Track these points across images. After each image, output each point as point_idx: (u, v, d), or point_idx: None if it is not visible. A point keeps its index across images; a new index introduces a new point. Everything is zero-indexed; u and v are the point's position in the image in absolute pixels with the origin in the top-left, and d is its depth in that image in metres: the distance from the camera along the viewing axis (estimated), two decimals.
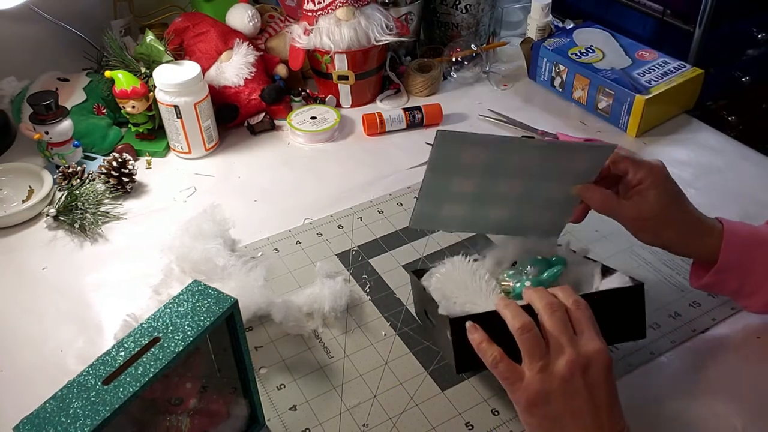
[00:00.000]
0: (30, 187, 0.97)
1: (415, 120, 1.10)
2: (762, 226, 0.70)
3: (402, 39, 1.16)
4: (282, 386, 0.71)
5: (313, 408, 0.69)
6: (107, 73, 1.02)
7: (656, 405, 0.67)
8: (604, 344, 0.55)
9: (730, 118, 1.42)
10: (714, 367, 0.71)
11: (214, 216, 0.87)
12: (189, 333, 0.54)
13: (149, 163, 1.04)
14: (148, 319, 0.55)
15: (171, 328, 0.54)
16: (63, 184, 0.96)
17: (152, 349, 0.52)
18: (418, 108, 1.11)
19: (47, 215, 0.92)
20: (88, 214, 0.91)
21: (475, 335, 0.59)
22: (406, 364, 0.73)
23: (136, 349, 0.53)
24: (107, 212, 0.94)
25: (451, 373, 0.71)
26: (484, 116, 1.12)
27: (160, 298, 0.80)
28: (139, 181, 1.00)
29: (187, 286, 0.58)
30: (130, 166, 0.97)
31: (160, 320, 0.55)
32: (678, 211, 0.67)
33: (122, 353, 0.52)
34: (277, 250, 0.88)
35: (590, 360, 0.54)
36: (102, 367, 0.52)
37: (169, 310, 0.56)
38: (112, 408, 0.49)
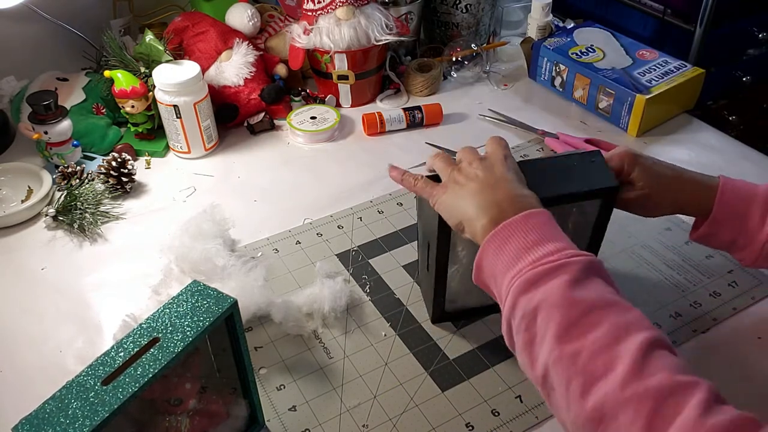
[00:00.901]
0: (29, 187, 0.97)
1: (415, 120, 1.10)
2: (761, 185, 0.71)
3: (402, 38, 1.16)
4: (282, 387, 0.71)
5: (313, 408, 0.69)
6: (106, 73, 1.02)
7: None
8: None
9: (730, 118, 1.42)
10: (714, 368, 0.71)
11: (213, 216, 0.87)
12: (188, 333, 0.54)
13: (148, 163, 1.04)
14: (147, 319, 0.55)
15: (170, 328, 0.54)
16: (62, 184, 0.96)
17: (151, 350, 0.52)
18: (418, 108, 1.10)
19: (46, 215, 0.92)
20: (87, 214, 0.91)
21: (394, 173, 0.70)
22: (406, 364, 0.73)
23: (135, 350, 0.52)
24: (106, 212, 0.93)
25: (451, 374, 0.71)
26: (484, 116, 1.12)
27: (159, 298, 0.80)
28: (139, 181, 1.00)
29: (187, 286, 0.58)
30: (129, 166, 0.97)
31: (160, 320, 0.55)
32: (669, 180, 0.70)
33: (121, 354, 0.52)
34: (276, 250, 0.88)
35: (488, 154, 0.65)
36: (101, 368, 0.51)
37: (168, 310, 0.56)
38: (111, 408, 0.49)
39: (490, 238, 0.57)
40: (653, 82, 1.05)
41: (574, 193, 0.66)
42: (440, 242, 0.68)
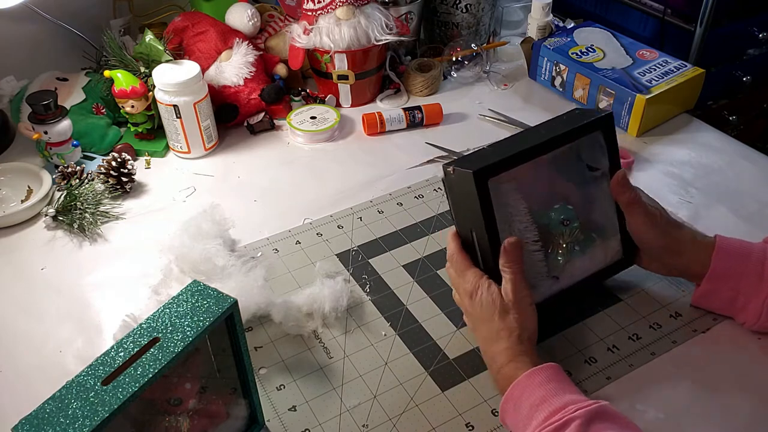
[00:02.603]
0: (29, 187, 0.97)
1: (415, 120, 1.10)
2: (756, 243, 0.72)
3: (402, 38, 1.16)
4: (281, 387, 0.71)
5: (313, 408, 0.68)
6: (106, 73, 1.02)
7: (657, 405, 0.67)
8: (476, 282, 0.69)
9: (731, 118, 1.42)
10: (715, 368, 0.71)
11: (213, 216, 0.87)
12: (188, 333, 0.54)
13: (148, 163, 1.04)
14: (147, 319, 0.55)
15: (170, 328, 0.54)
16: (62, 184, 0.96)
17: (151, 350, 0.52)
18: (418, 108, 1.10)
19: (46, 215, 0.92)
20: (87, 214, 0.91)
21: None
22: (406, 364, 0.73)
23: (135, 350, 0.52)
24: (106, 212, 0.93)
25: (451, 373, 0.71)
26: (484, 116, 1.12)
27: (159, 298, 0.80)
28: (138, 181, 1.00)
29: (187, 286, 0.58)
30: (129, 166, 0.97)
31: (160, 320, 0.55)
32: (672, 238, 0.72)
33: (121, 354, 0.52)
34: (276, 250, 0.88)
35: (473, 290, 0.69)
36: (101, 368, 0.51)
37: (168, 310, 0.56)
38: (111, 408, 0.49)
39: (506, 400, 0.63)
40: (653, 82, 1.05)
41: (571, 130, 0.70)
42: (487, 229, 0.68)
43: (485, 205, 0.67)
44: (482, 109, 1.14)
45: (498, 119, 1.11)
